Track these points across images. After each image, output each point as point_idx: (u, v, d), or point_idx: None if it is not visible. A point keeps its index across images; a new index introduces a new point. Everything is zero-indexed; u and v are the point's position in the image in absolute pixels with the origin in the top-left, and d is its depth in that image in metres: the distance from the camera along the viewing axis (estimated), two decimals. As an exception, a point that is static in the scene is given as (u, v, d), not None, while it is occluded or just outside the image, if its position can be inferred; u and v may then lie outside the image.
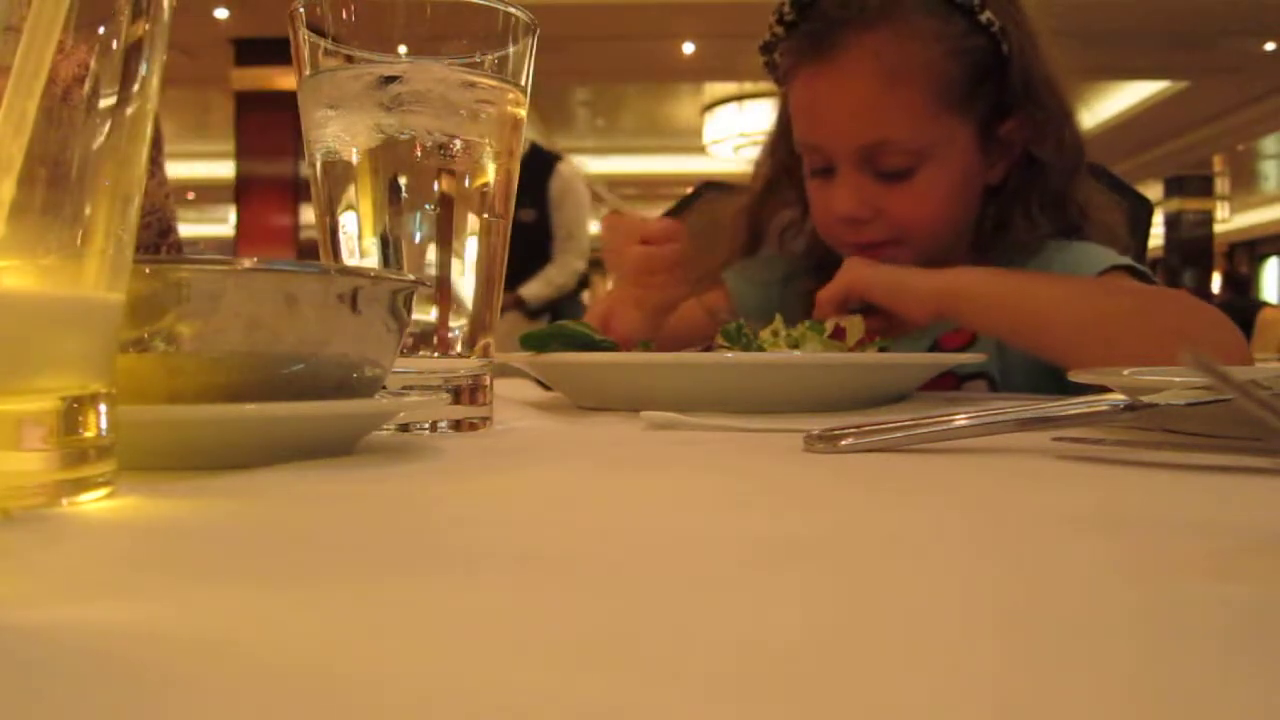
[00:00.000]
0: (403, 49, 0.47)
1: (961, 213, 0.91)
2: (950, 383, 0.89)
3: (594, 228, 3.59)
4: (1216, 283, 10.61)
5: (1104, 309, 0.75)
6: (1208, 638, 0.16)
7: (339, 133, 0.46)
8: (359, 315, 0.37)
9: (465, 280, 0.48)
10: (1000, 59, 0.87)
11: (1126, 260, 0.87)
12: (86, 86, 0.25)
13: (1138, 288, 0.82)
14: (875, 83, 0.85)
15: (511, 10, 0.48)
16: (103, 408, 0.27)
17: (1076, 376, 0.53)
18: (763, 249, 1.09)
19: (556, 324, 0.67)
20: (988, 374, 0.89)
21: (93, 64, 0.25)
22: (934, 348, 0.91)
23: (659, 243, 0.89)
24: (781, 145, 1.02)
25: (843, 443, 0.40)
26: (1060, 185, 0.90)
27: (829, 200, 0.90)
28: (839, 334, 0.69)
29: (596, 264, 3.43)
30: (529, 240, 3.06)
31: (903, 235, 0.89)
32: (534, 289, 3.13)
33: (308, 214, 5.70)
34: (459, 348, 0.48)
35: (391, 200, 0.47)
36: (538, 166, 3.13)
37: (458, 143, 0.47)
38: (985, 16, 0.85)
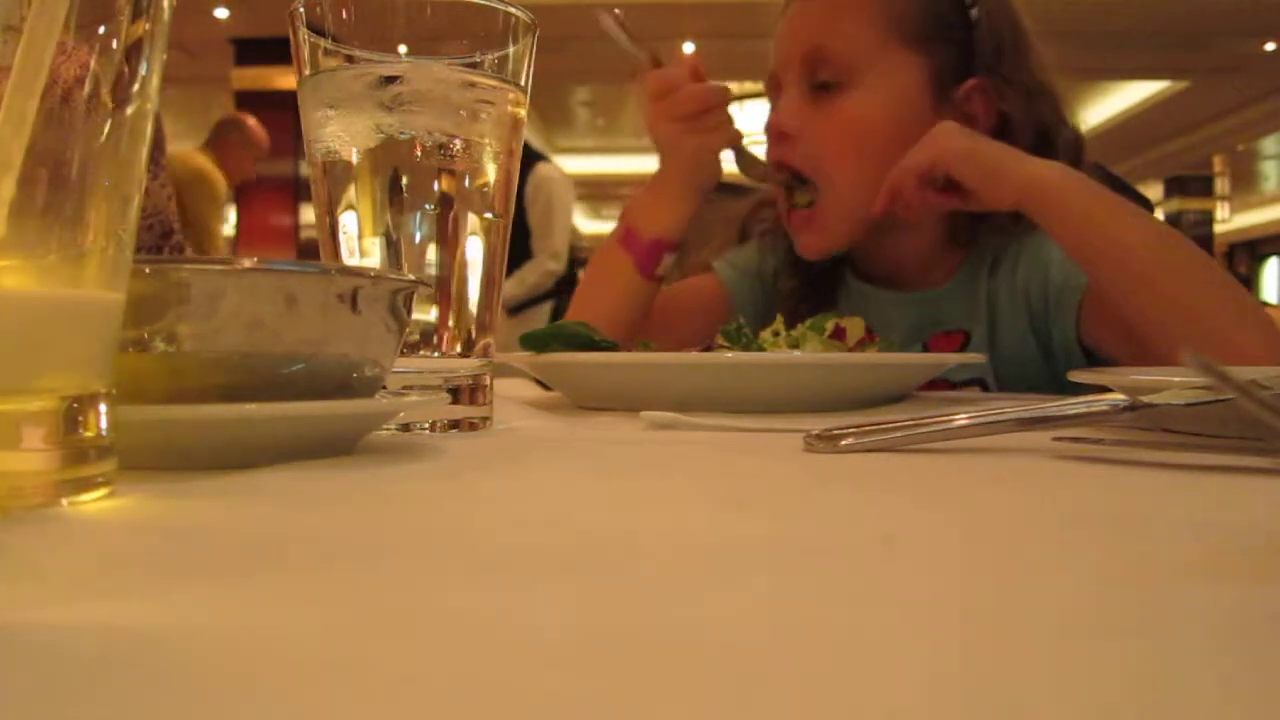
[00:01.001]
0: (403, 49, 0.47)
1: (886, 161, 0.90)
2: (943, 389, 0.88)
3: (578, 225, 3.60)
4: (1216, 283, 10.55)
5: (1183, 261, 0.72)
6: (1207, 638, 0.16)
7: (339, 133, 0.46)
8: (359, 315, 0.37)
9: (465, 280, 0.48)
10: (967, 21, 0.87)
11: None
12: (86, 87, 0.25)
13: (1209, 257, 0.78)
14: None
15: (511, 10, 0.48)
16: (103, 408, 0.27)
17: (1076, 376, 0.53)
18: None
19: (556, 324, 0.67)
20: (982, 380, 0.89)
21: (93, 64, 0.25)
22: (924, 350, 0.91)
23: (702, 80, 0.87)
24: None
25: (843, 443, 0.40)
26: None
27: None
28: (839, 334, 0.69)
29: (582, 263, 3.47)
30: (511, 238, 3.11)
31: (822, 164, 0.87)
32: (506, 288, 3.18)
33: (308, 214, 5.70)
34: (459, 348, 0.48)
35: (391, 200, 0.47)
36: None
37: (458, 143, 0.47)
38: None
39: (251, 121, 3.45)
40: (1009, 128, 0.87)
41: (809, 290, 0.98)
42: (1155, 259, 0.72)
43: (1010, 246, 0.89)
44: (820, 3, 0.89)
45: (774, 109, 0.90)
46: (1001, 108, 0.87)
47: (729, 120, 0.89)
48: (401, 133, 0.46)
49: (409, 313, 0.40)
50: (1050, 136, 0.88)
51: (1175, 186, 10.52)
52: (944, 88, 0.88)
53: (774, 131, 0.89)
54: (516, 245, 3.22)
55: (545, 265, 3.29)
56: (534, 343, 0.64)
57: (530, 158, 3.29)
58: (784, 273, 1.00)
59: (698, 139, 0.88)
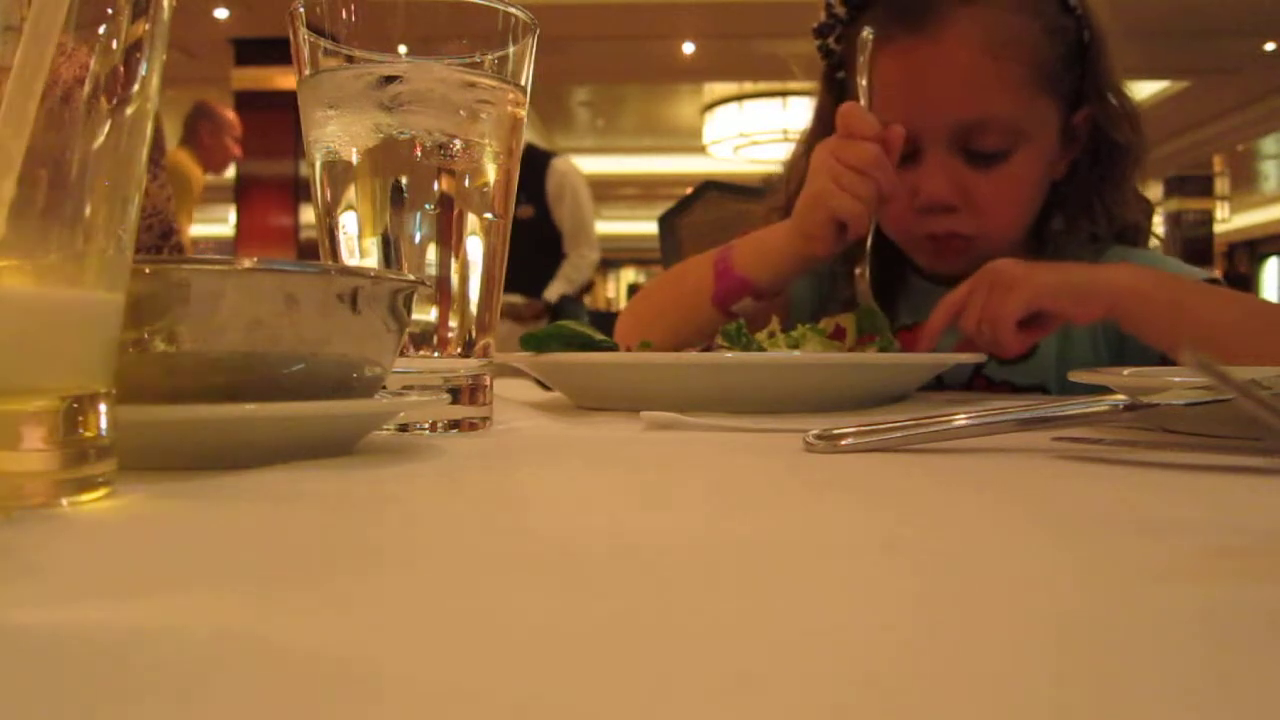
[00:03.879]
0: (403, 49, 0.47)
1: (1033, 208, 0.88)
2: (1005, 392, 0.87)
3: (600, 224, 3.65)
4: (1216, 283, 10.57)
5: (1274, 326, 0.72)
6: (1206, 638, 0.16)
7: (339, 133, 0.46)
8: (359, 315, 0.37)
9: (465, 280, 0.48)
10: (1081, 45, 0.85)
11: (1215, 274, 0.84)
12: (86, 87, 0.25)
13: None
14: (981, 55, 0.81)
15: (511, 10, 0.48)
16: (103, 408, 0.27)
17: (1076, 376, 0.53)
18: None
19: (556, 324, 0.67)
20: (1044, 385, 0.88)
21: (93, 64, 0.25)
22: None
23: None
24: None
25: (843, 443, 0.40)
26: (1128, 182, 0.88)
27: (913, 184, 0.84)
28: (839, 334, 0.69)
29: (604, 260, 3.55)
30: (538, 239, 3.17)
31: (980, 228, 0.84)
32: (557, 289, 3.24)
33: (308, 214, 5.70)
34: (459, 348, 0.48)
35: (391, 200, 0.47)
36: (533, 164, 3.23)
37: (458, 143, 0.47)
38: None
39: (218, 107, 3.44)
40: (1118, 138, 0.86)
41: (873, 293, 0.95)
42: (1247, 329, 0.72)
43: (1086, 260, 0.88)
44: (970, 62, 0.81)
45: (926, 178, 0.83)
46: (1113, 136, 0.86)
47: (872, 203, 0.77)
48: (401, 133, 0.46)
49: (409, 313, 0.40)
50: (1140, 159, 0.87)
51: (1175, 186, 10.50)
52: (1067, 122, 0.86)
53: (934, 204, 0.83)
54: (547, 246, 3.27)
55: (588, 257, 3.35)
56: (534, 343, 0.64)
57: (541, 157, 3.32)
58: (842, 279, 0.94)
59: (842, 198, 0.76)
